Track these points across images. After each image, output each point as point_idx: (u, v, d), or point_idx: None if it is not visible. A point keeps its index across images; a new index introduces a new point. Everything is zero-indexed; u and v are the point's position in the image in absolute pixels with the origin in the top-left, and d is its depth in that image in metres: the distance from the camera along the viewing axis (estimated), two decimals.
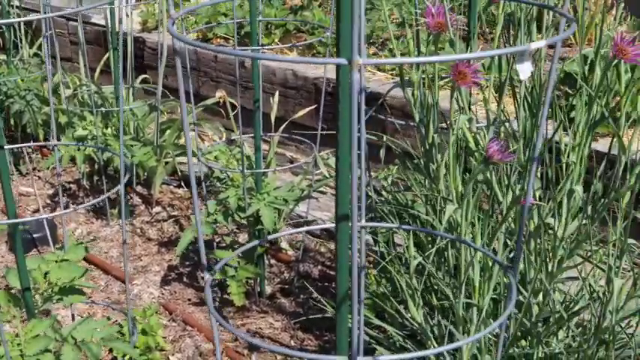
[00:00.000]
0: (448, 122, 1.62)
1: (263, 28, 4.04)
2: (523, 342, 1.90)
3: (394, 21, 3.84)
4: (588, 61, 1.93)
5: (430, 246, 1.77)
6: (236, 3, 4.07)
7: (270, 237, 1.36)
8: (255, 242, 1.32)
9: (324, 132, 2.75)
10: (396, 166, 2.14)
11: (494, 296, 1.88)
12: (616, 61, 1.39)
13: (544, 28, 1.79)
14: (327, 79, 3.51)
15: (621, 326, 1.74)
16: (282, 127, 2.84)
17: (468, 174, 1.76)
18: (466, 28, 2.03)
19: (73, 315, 2.26)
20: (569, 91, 2.69)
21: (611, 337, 1.68)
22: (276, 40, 3.98)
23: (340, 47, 0.96)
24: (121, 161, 1.78)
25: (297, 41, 3.96)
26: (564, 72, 2.82)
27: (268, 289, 2.63)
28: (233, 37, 3.97)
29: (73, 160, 3.07)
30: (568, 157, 1.71)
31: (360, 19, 1.27)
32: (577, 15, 4.05)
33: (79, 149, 3.03)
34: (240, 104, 2.35)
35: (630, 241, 1.62)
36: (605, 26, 3.52)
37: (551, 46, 3.93)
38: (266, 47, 3.81)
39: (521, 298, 1.81)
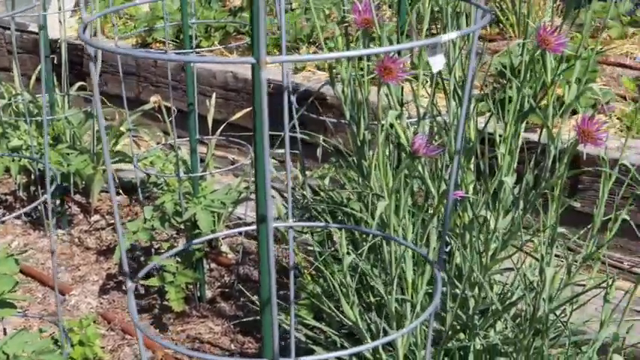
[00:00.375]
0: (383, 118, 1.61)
1: (203, 31, 4.00)
2: (462, 335, 1.90)
3: (334, 19, 3.84)
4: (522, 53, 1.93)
5: (364, 243, 1.76)
6: (175, 6, 4.04)
7: (196, 241, 1.33)
8: (180, 248, 1.29)
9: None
10: (334, 165, 2.13)
11: (431, 290, 1.87)
12: (539, 51, 1.39)
13: (472, 21, 1.79)
14: (267, 79, 3.49)
15: (556, 314, 1.75)
16: (219, 130, 2.82)
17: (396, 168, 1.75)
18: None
19: (4, 330, 2.20)
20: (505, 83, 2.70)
21: (545, 327, 1.69)
22: (216, 43, 3.95)
23: (253, 47, 0.95)
24: (47, 170, 1.75)
25: (237, 43, 3.94)
26: (501, 64, 2.84)
27: (209, 294, 2.61)
28: (171, 40, 3.94)
29: (8, 171, 3.01)
30: (499, 148, 1.71)
31: (281, 19, 1.25)
32: (515, 7, 4.09)
33: (13, 160, 2.97)
34: (175, 108, 2.32)
35: (561, 230, 1.62)
36: (539, 17, 3.55)
37: (491, 40, 3.95)
38: (205, 49, 3.77)
39: (457, 291, 1.81)
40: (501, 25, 3.77)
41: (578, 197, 2.90)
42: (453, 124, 1.71)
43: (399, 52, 1.59)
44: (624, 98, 3.22)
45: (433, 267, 1.16)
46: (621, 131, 3.02)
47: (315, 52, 3.67)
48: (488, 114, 1.75)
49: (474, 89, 3.34)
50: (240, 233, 2.76)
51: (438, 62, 0.89)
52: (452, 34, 0.86)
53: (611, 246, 2.94)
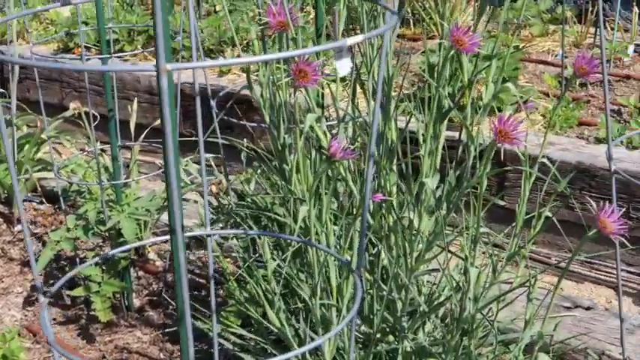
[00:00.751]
0: (305, 122, 1.60)
1: (126, 35, 3.94)
2: (391, 337, 1.89)
3: (258, 22, 3.81)
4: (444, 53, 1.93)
5: (289, 248, 1.75)
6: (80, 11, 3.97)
7: (114, 251, 1.30)
8: (94, 259, 1.26)
9: (186, 138, 2.69)
10: (255, 170, 2.11)
11: None
12: (452, 51, 1.39)
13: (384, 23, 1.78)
14: (191, 83, 3.45)
15: (482, 314, 1.75)
16: (142, 135, 2.77)
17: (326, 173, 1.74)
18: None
19: None
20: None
21: (472, 327, 1.69)
22: (139, 46, 3.89)
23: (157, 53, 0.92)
24: None
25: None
26: (423, 63, 2.84)
27: (137, 302, 2.56)
28: (93, 45, 3.87)
29: None
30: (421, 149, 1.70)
31: (191, 24, 1.22)
32: (438, 7, 4.10)
33: None
34: (98, 114, 2.27)
35: (487, 229, 1.62)
36: (464, 17, 3.57)
37: (415, 39, 3.96)
38: (128, 53, 3.72)
39: (385, 293, 1.80)
40: (425, 24, 3.78)
41: (506, 195, 2.93)
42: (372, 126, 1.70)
43: (317, 54, 1.57)
44: (547, 95, 3.25)
45: (352, 272, 1.14)
46: (545, 128, 3.05)
47: (239, 55, 3.64)
48: (414, 114, 1.75)
49: (398, 89, 3.35)
50: (166, 240, 2.72)
51: (344, 66, 0.88)
52: (357, 38, 0.84)
53: (539, 242, 2.97)
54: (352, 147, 1.75)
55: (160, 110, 1.03)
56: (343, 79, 2.19)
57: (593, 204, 1.38)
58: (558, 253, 2.89)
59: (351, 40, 0.85)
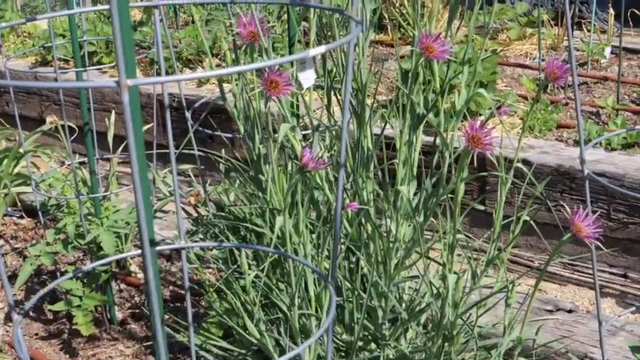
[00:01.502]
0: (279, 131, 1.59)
1: (104, 47, 3.94)
2: (373, 345, 1.89)
3: (231, 32, 3.80)
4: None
5: (267, 258, 1.74)
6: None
7: (87, 267, 1.29)
8: (70, 274, 1.25)
9: (163, 150, 2.68)
10: (230, 181, 2.11)
11: (340, 302, 1.86)
12: (422, 58, 1.39)
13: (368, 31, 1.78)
14: (171, 94, 3.44)
15: (463, 319, 1.75)
16: (120, 147, 2.76)
17: (301, 183, 1.74)
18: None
19: None
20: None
21: (452, 333, 1.68)
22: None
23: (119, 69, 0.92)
24: None
25: (140, 60, 3.87)
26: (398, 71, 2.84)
27: (119, 315, 2.55)
28: (72, 57, 3.86)
29: None
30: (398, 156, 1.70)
31: (157, 39, 1.22)
32: (415, 12, 4.11)
33: None
34: (76, 127, 2.26)
35: (467, 233, 1.62)
36: (440, 23, 3.58)
37: (393, 45, 3.96)
38: (107, 66, 3.71)
39: (368, 302, 1.79)
40: (402, 30, 3.79)
41: (487, 199, 2.93)
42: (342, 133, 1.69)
43: (291, 64, 1.57)
44: (525, 98, 3.26)
45: (326, 282, 1.14)
46: (524, 131, 3.06)
47: (218, 65, 3.64)
48: (393, 120, 1.75)
49: (378, 95, 3.35)
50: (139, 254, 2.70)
51: (308, 78, 0.87)
52: (320, 49, 0.84)
53: (521, 245, 2.98)
54: (327, 156, 1.75)
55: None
56: (321, 87, 2.19)
57: (567, 208, 1.39)
58: (541, 256, 2.90)
59: (313, 52, 0.85)
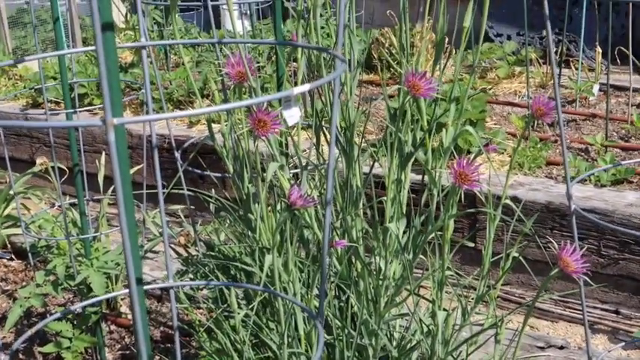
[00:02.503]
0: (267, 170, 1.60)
1: (95, 88, 3.95)
2: None
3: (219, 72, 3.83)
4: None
5: (256, 298, 1.74)
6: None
7: (73, 307, 1.29)
8: (57, 314, 1.25)
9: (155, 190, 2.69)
10: (219, 220, 2.11)
11: (331, 340, 1.85)
12: (408, 97, 1.40)
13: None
14: (162, 135, 3.46)
15: (454, 357, 1.75)
16: (111, 189, 2.76)
17: (290, 221, 1.74)
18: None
19: None
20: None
21: None
22: None
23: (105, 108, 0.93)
24: None
25: (130, 101, 3.89)
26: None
27: (109, 357, 2.54)
28: (62, 99, 3.87)
29: None
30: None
31: (146, 80, 1.23)
32: (405, 52, 4.15)
33: None
34: (67, 168, 2.26)
35: (449, 272, 1.62)
36: (430, 62, 3.61)
37: (376, 85, 3.98)
38: (98, 106, 3.72)
39: (358, 340, 1.79)
40: (392, 69, 3.82)
41: (478, 236, 2.94)
42: (335, 171, 1.70)
43: (279, 102, 1.58)
44: (515, 136, 3.28)
45: (314, 319, 1.14)
46: (514, 168, 3.08)
47: (208, 106, 3.65)
48: (383, 159, 1.76)
49: (369, 134, 3.37)
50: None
51: (293, 115, 0.88)
52: (304, 87, 0.85)
53: (513, 282, 2.98)
54: (316, 194, 1.75)
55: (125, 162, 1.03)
56: (310, 127, 2.20)
57: (555, 243, 1.39)
58: (533, 293, 2.89)
59: (298, 90, 0.86)
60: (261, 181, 1.49)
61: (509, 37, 4.52)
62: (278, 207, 1.67)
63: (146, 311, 2.58)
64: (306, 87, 0.87)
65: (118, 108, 0.97)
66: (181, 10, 5.15)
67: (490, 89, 3.89)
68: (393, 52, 3.79)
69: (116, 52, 0.98)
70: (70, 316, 2.45)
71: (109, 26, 0.97)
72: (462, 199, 2.64)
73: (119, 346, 2.61)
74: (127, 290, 1.23)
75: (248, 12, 4.28)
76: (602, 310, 2.78)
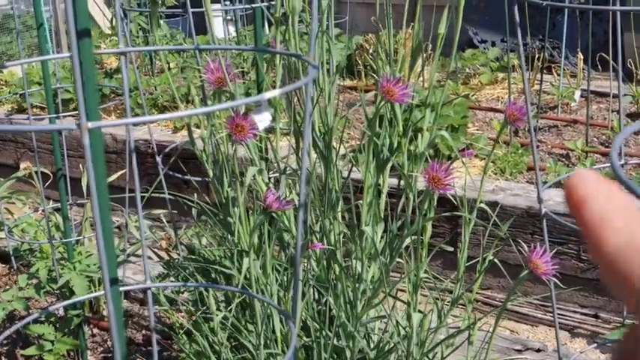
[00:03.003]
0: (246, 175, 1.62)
1: None
2: None
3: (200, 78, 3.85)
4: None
5: (234, 300, 1.76)
6: (50, 71, 4.00)
7: (51, 308, 1.31)
8: (35, 315, 1.27)
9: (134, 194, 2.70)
10: (198, 224, 2.13)
11: (309, 343, 1.88)
12: (383, 102, 1.42)
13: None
14: (146, 140, 3.47)
15: (429, 358, 1.77)
16: None
17: (270, 225, 1.76)
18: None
19: None
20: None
21: None
22: None
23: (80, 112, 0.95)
24: None
25: (115, 106, 3.91)
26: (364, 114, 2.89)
27: None
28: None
29: None
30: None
31: (125, 84, 1.25)
32: (389, 57, 4.18)
33: None
34: (51, 173, 2.28)
35: (424, 275, 1.65)
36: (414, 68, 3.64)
37: (367, 90, 4.01)
38: (76, 118, 3.73)
39: (335, 342, 1.81)
40: (375, 76, 3.85)
41: (458, 241, 2.97)
42: (313, 175, 1.73)
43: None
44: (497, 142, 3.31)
45: (288, 319, 1.16)
46: (495, 174, 3.11)
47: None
48: (361, 163, 1.78)
49: (352, 140, 3.40)
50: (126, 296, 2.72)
51: (263, 120, 0.90)
52: (274, 92, 0.87)
53: (494, 287, 3.01)
54: (295, 198, 1.78)
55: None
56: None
57: (525, 246, 1.42)
58: (514, 297, 2.93)
59: (268, 94, 0.88)
60: (239, 185, 1.51)
61: (493, 44, 4.56)
62: (257, 210, 1.69)
63: (123, 313, 2.59)
64: (277, 92, 0.90)
65: (95, 112, 0.99)
66: (167, 17, 5.17)
67: (473, 95, 3.92)
68: (376, 57, 3.82)
69: (92, 58, 1.01)
70: (52, 320, 2.46)
71: (85, 32, 0.99)
72: (444, 204, 2.67)
73: (101, 349, 2.62)
74: (129, 287, 1.25)
75: (233, 18, 4.31)
76: (582, 314, 2.81)
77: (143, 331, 2.66)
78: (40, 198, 3.36)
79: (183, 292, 2.12)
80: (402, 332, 1.78)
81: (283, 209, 1.33)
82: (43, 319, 2.60)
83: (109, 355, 2.58)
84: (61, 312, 2.65)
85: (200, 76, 1.77)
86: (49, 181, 2.99)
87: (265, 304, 1.54)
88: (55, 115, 2.16)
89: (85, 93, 0.94)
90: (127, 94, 1.16)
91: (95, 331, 2.70)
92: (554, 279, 1.35)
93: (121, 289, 1.16)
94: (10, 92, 4.16)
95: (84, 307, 2.53)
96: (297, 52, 1.39)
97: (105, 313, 2.75)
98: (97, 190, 0.92)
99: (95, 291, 2.46)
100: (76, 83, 0.84)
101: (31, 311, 2.66)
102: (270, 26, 4.26)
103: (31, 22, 4.92)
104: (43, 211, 2.96)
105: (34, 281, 2.41)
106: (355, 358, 1.83)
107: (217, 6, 4.15)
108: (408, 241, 1.68)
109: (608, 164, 2.96)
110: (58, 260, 2.34)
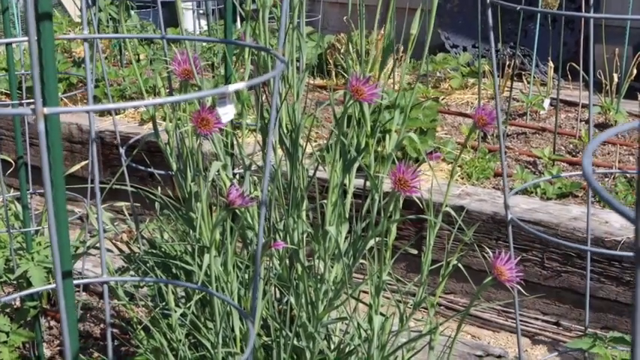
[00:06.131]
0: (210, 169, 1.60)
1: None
2: None
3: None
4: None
5: (194, 296, 1.73)
6: (16, 58, 3.94)
7: (4, 299, 1.28)
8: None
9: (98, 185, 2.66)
10: (158, 218, 2.11)
11: (269, 342, 1.85)
12: (352, 101, 1.41)
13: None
14: (112, 132, 3.43)
15: None
16: None
17: (233, 222, 1.74)
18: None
19: None
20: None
21: None
22: (59, 93, 3.86)
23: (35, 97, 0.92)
24: None
25: (82, 94, 3.86)
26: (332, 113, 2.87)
27: (47, 353, 2.51)
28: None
29: None
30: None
31: (87, 72, 1.22)
32: (360, 58, 4.17)
33: None
34: (13, 160, 2.24)
35: (386, 277, 1.63)
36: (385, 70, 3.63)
37: (337, 89, 3.99)
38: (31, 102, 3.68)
39: (296, 343, 1.79)
40: (346, 74, 3.84)
41: (423, 245, 2.96)
42: (278, 172, 1.71)
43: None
44: (465, 146, 3.31)
45: (245, 318, 1.14)
46: (462, 178, 3.10)
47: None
48: (328, 163, 1.76)
49: (321, 139, 3.38)
50: (77, 288, 2.68)
51: (227, 113, 0.88)
52: (239, 85, 0.85)
53: (457, 292, 3.00)
54: (259, 195, 1.75)
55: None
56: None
57: (490, 252, 1.41)
58: (477, 302, 2.92)
59: (232, 87, 0.86)
60: (203, 179, 1.48)
61: (464, 49, 4.56)
62: (219, 206, 1.67)
63: (81, 306, 2.55)
64: (242, 85, 0.87)
65: (54, 98, 0.97)
66: (138, 7, 5.12)
67: (443, 99, 3.91)
68: (348, 58, 3.80)
69: (53, 42, 0.98)
70: (8, 311, 2.42)
71: (46, 16, 0.96)
72: (410, 207, 2.66)
73: (58, 342, 2.58)
74: (88, 280, 1.22)
75: (205, 12, 4.27)
76: (544, 321, 2.81)
77: (101, 325, 2.62)
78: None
79: (142, 287, 2.09)
80: (363, 335, 1.76)
81: (246, 206, 1.31)
82: None
83: None
84: (18, 303, 2.60)
85: (167, 67, 1.75)
86: (11, 169, 2.95)
87: (225, 302, 1.51)
88: (18, 102, 2.12)
89: (44, 77, 0.91)
90: (90, 80, 1.13)
91: (52, 323, 2.66)
92: (517, 286, 1.33)
93: (78, 281, 1.13)
94: None
95: (41, 298, 2.48)
96: (266, 47, 1.37)
97: None
98: (51, 179, 0.89)
99: (53, 283, 2.42)
100: (33, 67, 0.81)
101: None
102: (242, 22, 4.23)
103: None
104: (2, 199, 2.91)
105: None
106: (315, 359, 1.81)
107: None
108: (372, 242, 1.66)
109: (576, 173, 2.97)
110: (15, 250, 2.29)
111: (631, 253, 2.33)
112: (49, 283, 2.34)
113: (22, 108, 0.81)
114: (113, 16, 4.25)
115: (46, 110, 0.80)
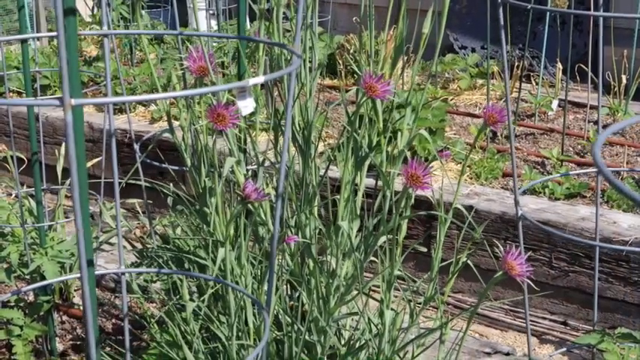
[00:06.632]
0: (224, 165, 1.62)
1: (58, 80, 3.95)
2: None
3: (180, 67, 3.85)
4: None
5: (207, 290, 1.76)
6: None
7: (25, 289, 1.30)
8: (3, 296, 1.26)
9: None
10: (173, 213, 2.13)
11: (281, 336, 1.88)
12: (364, 98, 1.43)
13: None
14: (123, 130, 3.46)
15: (399, 356, 1.78)
16: (68, 180, 2.77)
17: (246, 217, 1.76)
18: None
19: None
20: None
21: None
22: None
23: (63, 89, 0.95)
24: None
25: (92, 92, 3.89)
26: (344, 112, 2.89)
27: (60, 347, 2.54)
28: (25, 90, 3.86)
29: None
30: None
31: (107, 70, 1.25)
32: (370, 58, 4.20)
33: None
34: (26, 157, 2.26)
35: (398, 273, 1.65)
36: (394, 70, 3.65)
37: (348, 90, 4.01)
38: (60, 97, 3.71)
39: (307, 337, 1.81)
40: (356, 75, 3.86)
41: (433, 243, 2.98)
42: (291, 169, 1.73)
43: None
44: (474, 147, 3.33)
45: (261, 309, 1.16)
46: (471, 178, 3.12)
47: (172, 104, 3.66)
48: (339, 161, 1.78)
49: (331, 138, 3.40)
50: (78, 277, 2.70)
51: (247, 106, 0.91)
52: (259, 78, 0.88)
53: (466, 291, 3.02)
54: (272, 192, 1.78)
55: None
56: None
57: (501, 247, 1.43)
58: (485, 301, 2.94)
59: (253, 81, 0.88)
60: (217, 175, 1.51)
61: (473, 50, 4.58)
62: (233, 201, 1.69)
63: (97, 299, 2.58)
64: (262, 79, 0.90)
65: (78, 90, 0.99)
66: (149, 7, 5.15)
67: (451, 100, 3.93)
68: (358, 58, 3.83)
69: (77, 37, 1.00)
70: (22, 305, 2.44)
71: (71, 11, 0.98)
72: (419, 207, 2.68)
73: (70, 336, 2.61)
74: (78, 274, 1.24)
75: (216, 12, 4.30)
76: (551, 320, 2.82)
77: (113, 320, 2.65)
78: (14, 182, 3.34)
79: (155, 282, 2.12)
80: (374, 330, 1.78)
81: (261, 200, 1.33)
82: (12, 303, 2.58)
83: (78, 342, 2.57)
84: (31, 297, 2.63)
85: (181, 65, 1.77)
86: (24, 166, 2.98)
87: (239, 295, 1.54)
88: (32, 99, 2.15)
89: (69, 71, 0.93)
90: (109, 73, 1.15)
91: (65, 318, 2.69)
92: (528, 281, 1.36)
93: (97, 272, 1.16)
94: None
95: (54, 293, 2.51)
96: (281, 42, 1.40)
97: (75, 300, 2.74)
98: (77, 169, 0.91)
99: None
100: (61, 60, 0.84)
101: (0, 295, 2.64)
102: (252, 21, 4.26)
103: (11, 5, 4.90)
104: (16, 195, 2.94)
105: (5, 265, 2.39)
106: (326, 354, 1.83)
107: None
108: (383, 239, 1.68)
109: (585, 170, 2.98)
110: (29, 245, 2.32)
111: (639, 249, 2.35)
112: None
113: (51, 99, 0.84)
114: (124, 16, 4.28)
115: (73, 101, 0.82)
